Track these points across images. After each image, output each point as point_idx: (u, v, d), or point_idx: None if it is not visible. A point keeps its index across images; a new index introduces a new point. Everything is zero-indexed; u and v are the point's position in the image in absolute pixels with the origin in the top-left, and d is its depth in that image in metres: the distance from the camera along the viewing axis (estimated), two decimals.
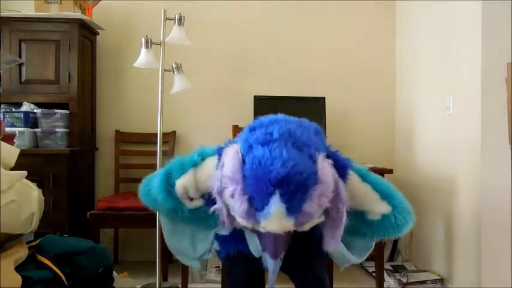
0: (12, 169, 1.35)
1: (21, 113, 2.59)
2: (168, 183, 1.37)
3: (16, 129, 2.52)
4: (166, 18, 2.37)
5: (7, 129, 2.39)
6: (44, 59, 2.68)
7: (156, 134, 2.36)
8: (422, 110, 2.88)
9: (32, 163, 2.33)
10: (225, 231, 1.41)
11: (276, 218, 1.12)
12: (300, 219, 1.14)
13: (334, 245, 1.24)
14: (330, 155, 1.27)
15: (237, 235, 1.41)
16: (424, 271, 2.72)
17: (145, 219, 2.24)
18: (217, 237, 1.48)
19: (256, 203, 1.14)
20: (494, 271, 2.14)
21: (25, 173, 1.36)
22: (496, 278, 2.14)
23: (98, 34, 3.04)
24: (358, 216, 1.37)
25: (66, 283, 1.32)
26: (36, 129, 2.62)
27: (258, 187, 1.12)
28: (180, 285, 2.30)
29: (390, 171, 2.44)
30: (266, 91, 2.99)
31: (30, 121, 2.61)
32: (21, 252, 1.29)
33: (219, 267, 2.58)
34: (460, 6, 2.40)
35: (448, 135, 2.53)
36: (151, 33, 2.42)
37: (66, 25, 2.69)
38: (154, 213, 1.98)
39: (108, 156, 3.04)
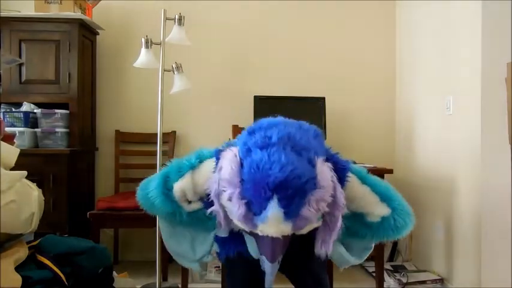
0: (12, 169, 1.35)
1: (21, 113, 2.59)
2: (166, 187, 1.36)
3: (16, 129, 2.52)
4: (166, 18, 2.37)
5: (7, 129, 2.39)
6: (44, 59, 2.68)
7: (156, 134, 2.36)
8: (422, 110, 2.88)
9: (32, 163, 2.33)
10: (224, 233, 1.40)
11: (273, 222, 1.11)
12: (298, 223, 1.13)
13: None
14: (329, 158, 1.26)
15: (237, 237, 1.41)
16: (424, 271, 2.72)
17: (145, 219, 2.22)
18: (217, 239, 1.48)
19: (254, 207, 1.13)
20: (494, 271, 2.14)
21: (25, 173, 1.36)
22: (496, 278, 2.14)
23: (98, 34, 3.04)
24: (357, 218, 1.36)
25: (66, 283, 1.32)
26: (36, 129, 2.62)
27: (256, 191, 1.12)
28: (180, 285, 2.30)
29: (390, 172, 2.44)
30: (266, 91, 2.99)
31: (30, 121, 2.61)
32: (21, 252, 1.29)
33: (219, 267, 2.58)
34: (460, 6, 2.40)
35: (448, 135, 2.53)
36: (151, 33, 2.42)
37: (66, 25, 2.69)
38: None
39: (108, 156, 3.05)
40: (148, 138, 2.94)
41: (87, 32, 2.86)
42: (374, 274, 2.49)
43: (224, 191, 1.17)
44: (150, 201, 1.39)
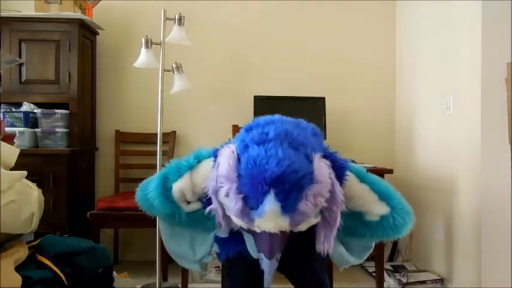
0: (12, 169, 1.35)
1: (21, 113, 2.59)
2: (165, 188, 1.36)
3: (16, 129, 2.52)
4: (166, 18, 2.37)
5: (7, 129, 2.39)
6: (44, 59, 2.68)
7: (156, 134, 2.36)
8: (422, 110, 2.88)
9: (32, 163, 2.33)
10: (224, 234, 1.40)
11: (270, 217, 1.11)
12: (295, 218, 1.13)
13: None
14: (328, 156, 1.27)
15: (236, 237, 1.41)
16: (424, 271, 2.72)
17: (145, 219, 2.20)
18: (217, 239, 1.48)
19: (251, 202, 1.14)
20: (494, 271, 2.14)
21: (25, 173, 1.36)
22: (496, 278, 2.14)
23: (98, 34, 3.04)
24: (356, 217, 1.36)
25: (66, 283, 1.32)
26: (36, 129, 2.62)
27: (253, 186, 1.12)
28: (180, 285, 2.30)
29: (390, 171, 2.44)
30: (266, 91, 2.99)
31: (30, 121, 2.61)
32: (21, 252, 1.29)
33: (219, 267, 2.58)
34: (460, 6, 2.40)
35: (448, 135, 2.53)
36: (151, 33, 2.42)
37: (66, 25, 2.69)
38: None
39: (108, 156, 3.04)
40: (148, 138, 2.94)
41: (87, 32, 2.86)
42: (374, 274, 2.49)
43: (222, 187, 1.18)
44: (149, 202, 1.39)
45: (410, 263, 2.93)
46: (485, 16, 2.17)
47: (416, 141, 2.96)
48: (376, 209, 1.33)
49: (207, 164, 1.33)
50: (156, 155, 2.36)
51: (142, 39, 2.39)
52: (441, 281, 2.58)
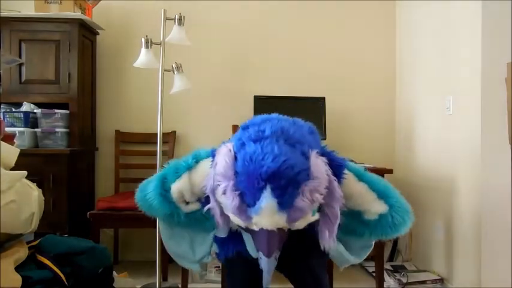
0: (12, 169, 1.35)
1: (21, 113, 2.59)
2: (164, 188, 1.37)
3: (16, 129, 2.52)
4: (166, 18, 2.37)
5: (7, 129, 2.39)
6: (44, 59, 2.68)
7: (156, 134, 2.36)
8: (422, 110, 2.88)
9: (32, 163, 2.33)
10: (223, 234, 1.41)
11: (267, 213, 1.12)
12: (292, 214, 1.13)
13: (330, 242, 1.23)
14: (326, 155, 1.27)
15: (236, 237, 1.41)
16: (424, 271, 2.72)
17: (145, 219, 2.20)
18: (216, 239, 1.48)
19: (247, 199, 1.14)
20: (494, 271, 2.14)
21: (25, 173, 1.36)
22: (496, 278, 2.14)
23: (98, 34, 3.04)
24: (354, 217, 1.36)
25: (66, 283, 1.31)
26: (36, 129, 2.62)
27: (250, 182, 1.13)
28: (180, 285, 2.30)
29: (390, 171, 2.44)
30: (266, 91, 2.99)
31: (30, 121, 2.61)
32: (21, 252, 1.29)
33: (219, 267, 2.58)
34: (460, 6, 2.40)
35: (448, 135, 2.53)
36: (151, 33, 2.42)
37: (66, 25, 2.69)
38: None
39: (108, 156, 3.04)
40: (148, 138, 2.94)
41: (87, 32, 2.86)
42: (374, 274, 2.49)
43: (219, 185, 1.18)
44: (148, 203, 1.40)
45: (410, 263, 2.93)
46: (485, 16, 2.17)
47: (416, 141, 2.96)
48: (375, 207, 1.33)
49: (206, 164, 1.34)
50: (156, 155, 2.36)
51: (142, 39, 2.39)
52: (441, 281, 2.58)
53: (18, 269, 1.23)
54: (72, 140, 2.69)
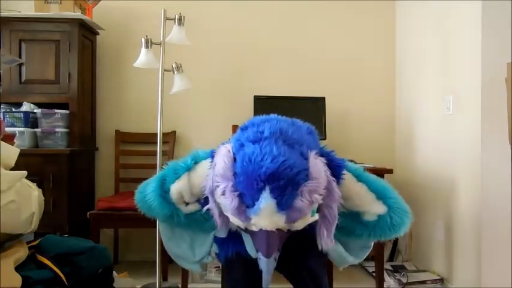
0: (12, 169, 1.35)
1: (21, 113, 2.59)
2: (163, 189, 1.37)
3: (16, 129, 2.52)
4: (166, 18, 2.37)
5: (7, 129, 2.39)
6: (44, 59, 2.68)
7: (156, 134, 2.36)
8: (422, 110, 2.88)
9: (32, 163, 2.33)
10: (222, 234, 1.41)
11: (266, 214, 1.12)
12: (291, 215, 1.13)
13: (328, 242, 1.23)
14: (325, 155, 1.27)
15: (235, 237, 1.41)
16: (424, 271, 2.72)
17: (145, 219, 2.19)
18: (216, 240, 1.48)
19: (246, 200, 1.14)
20: (494, 271, 2.14)
21: (25, 173, 1.36)
22: (496, 278, 2.14)
23: (98, 34, 3.04)
24: (353, 218, 1.36)
25: (66, 283, 1.31)
26: (36, 129, 2.62)
27: (249, 183, 1.13)
28: (180, 285, 2.30)
29: (390, 171, 2.44)
30: (266, 91, 2.99)
31: (30, 121, 2.61)
32: (21, 252, 1.29)
33: (219, 267, 2.58)
34: (460, 6, 2.40)
35: (448, 135, 2.53)
36: (151, 33, 2.42)
37: (66, 25, 2.69)
38: None
39: (108, 156, 3.05)
40: (148, 138, 2.94)
41: (87, 32, 2.86)
42: (374, 274, 2.49)
43: (218, 186, 1.18)
44: (148, 204, 1.40)
45: (410, 263, 2.93)
46: (485, 16, 2.17)
47: (416, 141, 2.96)
48: (374, 208, 1.33)
49: (204, 164, 1.34)
50: (156, 155, 2.35)
51: (142, 39, 2.38)
52: (441, 281, 2.58)
53: (18, 269, 1.23)
54: (72, 140, 2.69)
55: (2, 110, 2.60)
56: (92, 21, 2.86)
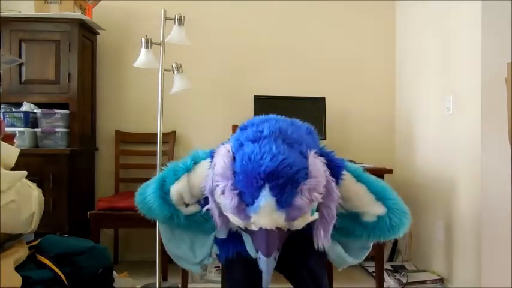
0: (12, 169, 1.35)
1: (21, 113, 2.59)
2: (163, 190, 1.37)
3: (16, 129, 2.52)
4: (166, 18, 2.37)
5: (7, 129, 2.39)
6: (44, 59, 2.68)
7: (156, 134, 2.36)
8: (422, 110, 2.88)
9: (32, 163, 2.33)
10: (223, 235, 1.41)
11: (266, 212, 1.12)
12: (291, 213, 1.13)
13: (324, 241, 1.23)
14: (324, 155, 1.27)
15: (236, 237, 1.41)
16: (424, 271, 2.72)
17: (145, 219, 2.20)
18: (217, 241, 1.48)
19: (246, 198, 1.14)
20: (494, 271, 2.14)
21: (25, 173, 1.36)
22: (496, 278, 2.14)
23: (98, 34, 3.04)
24: (352, 219, 1.36)
25: (66, 283, 1.31)
26: (36, 129, 2.62)
27: (248, 181, 1.13)
28: (180, 285, 2.30)
29: (390, 171, 2.44)
30: (266, 91, 2.99)
31: (30, 121, 2.61)
32: (21, 252, 1.29)
33: (219, 267, 2.58)
34: (460, 6, 2.40)
35: (448, 135, 2.53)
36: (151, 33, 2.42)
37: (66, 25, 2.69)
38: None
39: (108, 156, 3.05)
40: (148, 138, 2.94)
41: (87, 32, 2.86)
42: (374, 274, 2.49)
43: (217, 185, 1.18)
44: (148, 205, 1.40)
45: (410, 263, 2.93)
46: (485, 16, 2.17)
47: (416, 141, 2.96)
48: (373, 209, 1.33)
49: (204, 165, 1.34)
50: (156, 155, 2.35)
51: (142, 39, 2.39)
52: (441, 281, 2.58)
53: (18, 269, 1.23)
54: (72, 140, 2.69)
55: (2, 110, 2.60)
56: (92, 21, 2.86)
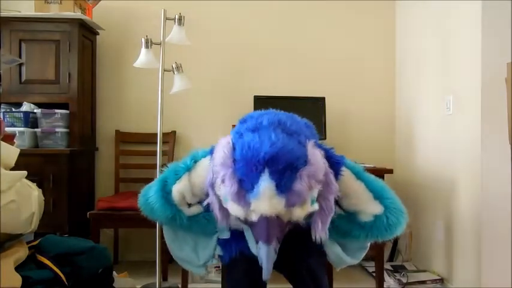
0: (12, 169, 1.35)
1: (21, 113, 2.59)
2: (165, 191, 1.38)
3: (16, 129, 2.52)
4: (166, 18, 2.37)
5: (7, 129, 2.39)
6: (44, 59, 2.68)
7: (156, 134, 2.36)
8: (422, 110, 2.88)
9: (32, 163, 2.33)
10: (225, 235, 1.41)
11: (266, 197, 1.12)
12: (291, 198, 1.13)
13: (322, 234, 1.22)
14: (325, 151, 1.28)
15: (238, 236, 1.41)
16: (424, 271, 2.72)
17: (146, 219, 2.22)
18: (220, 242, 1.48)
19: (246, 185, 1.14)
20: (494, 271, 2.14)
21: (25, 173, 1.36)
22: (496, 278, 2.14)
23: (98, 34, 3.04)
24: (350, 219, 1.37)
25: (66, 283, 1.31)
26: (36, 129, 2.62)
27: (248, 168, 1.14)
28: (180, 285, 2.30)
29: (390, 171, 2.44)
30: (266, 91, 2.99)
31: (30, 121, 2.61)
32: (21, 252, 1.29)
33: (219, 267, 2.58)
34: (460, 6, 2.40)
35: (448, 135, 2.53)
36: (151, 33, 2.42)
37: (66, 25, 2.69)
38: None
39: (108, 156, 3.05)
40: (148, 138, 2.94)
41: (87, 32, 2.86)
42: (374, 274, 2.49)
43: (217, 176, 1.19)
44: (150, 206, 1.41)
45: (410, 263, 2.93)
46: (485, 16, 2.18)
47: (416, 141, 2.96)
48: (370, 208, 1.34)
49: (204, 162, 1.35)
50: (156, 155, 2.35)
51: (142, 39, 2.38)
52: (441, 281, 2.58)
53: (18, 269, 1.23)
54: (72, 140, 2.69)
55: (2, 110, 2.60)
56: (92, 21, 2.86)
